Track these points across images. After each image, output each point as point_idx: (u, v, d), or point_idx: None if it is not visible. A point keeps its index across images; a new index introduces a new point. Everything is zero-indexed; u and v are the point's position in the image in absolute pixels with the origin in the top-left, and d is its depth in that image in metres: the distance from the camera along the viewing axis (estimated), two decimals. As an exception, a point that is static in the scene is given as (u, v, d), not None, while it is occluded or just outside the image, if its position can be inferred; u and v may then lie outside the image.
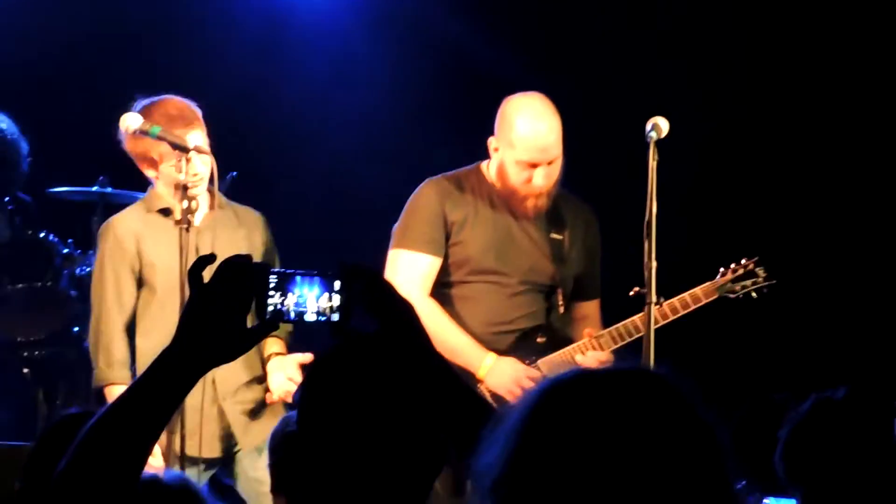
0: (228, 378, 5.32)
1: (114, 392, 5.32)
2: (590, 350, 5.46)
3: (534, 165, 5.41)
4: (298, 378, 5.33)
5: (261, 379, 5.50)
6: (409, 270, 5.49)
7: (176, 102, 5.38)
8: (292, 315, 2.44)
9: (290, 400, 5.36)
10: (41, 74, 7.90)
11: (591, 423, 1.71)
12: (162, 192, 5.45)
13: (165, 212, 5.43)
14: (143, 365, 5.30)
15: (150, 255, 5.41)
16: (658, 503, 1.67)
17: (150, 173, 5.43)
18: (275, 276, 2.40)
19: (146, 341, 5.39)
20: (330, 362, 2.50)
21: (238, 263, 2.36)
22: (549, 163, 5.41)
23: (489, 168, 5.60)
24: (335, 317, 2.46)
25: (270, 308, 2.39)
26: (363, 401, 2.43)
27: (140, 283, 5.44)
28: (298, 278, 2.44)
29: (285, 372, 5.37)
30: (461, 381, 2.50)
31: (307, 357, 5.24)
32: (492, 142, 5.51)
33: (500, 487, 1.72)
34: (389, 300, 2.52)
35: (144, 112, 5.30)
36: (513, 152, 5.42)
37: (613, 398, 1.74)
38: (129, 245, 5.41)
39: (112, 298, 5.42)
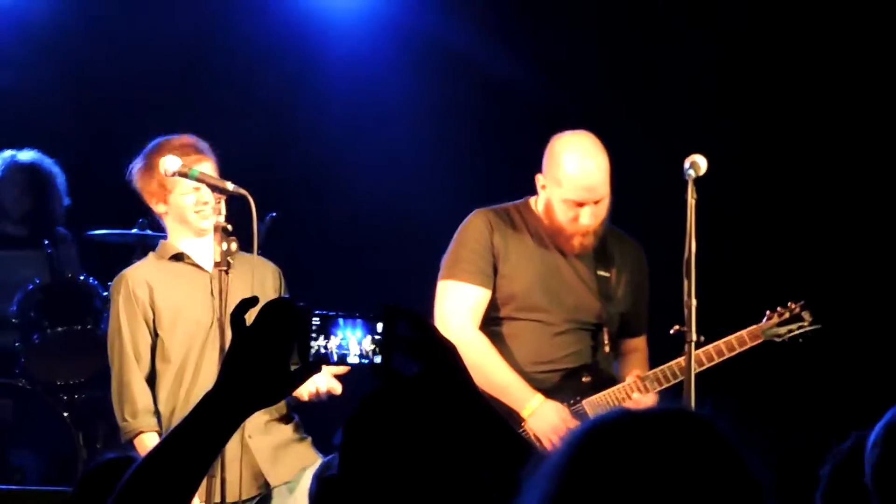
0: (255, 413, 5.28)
1: (144, 441, 5.35)
2: (635, 392, 5.42)
3: (581, 204, 5.39)
4: (327, 384, 5.31)
5: (286, 417, 5.48)
6: (459, 302, 5.48)
7: (183, 138, 5.42)
8: (335, 358, 2.44)
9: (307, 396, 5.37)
10: (81, 114, 7.94)
11: (634, 466, 1.69)
12: (172, 239, 5.48)
13: (177, 257, 5.46)
14: (161, 413, 5.33)
15: (163, 303, 5.43)
16: None
17: (160, 208, 5.45)
18: (317, 319, 2.40)
19: (164, 389, 5.43)
20: (372, 405, 2.48)
21: (281, 306, 2.35)
22: (597, 202, 5.40)
23: (536, 203, 5.59)
24: (378, 359, 2.46)
25: (313, 351, 2.39)
26: (405, 444, 2.43)
27: (156, 331, 5.45)
28: (341, 321, 2.44)
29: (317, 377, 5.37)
30: (504, 422, 2.51)
31: (342, 369, 5.20)
32: (539, 179, 5.50)
33: None
34: (432, 341, 2.53)
35: (155, 152, 5.34)
36: (560, 191, 5.40)
37: (656, 441, 1.71)
38: (142, 294, 5.43)
39: (129, 350, 5.45)
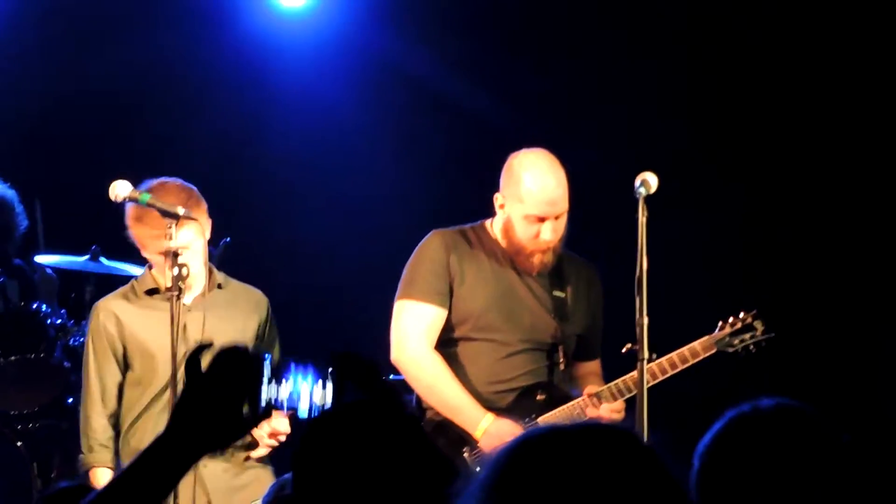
0: None
1: (97, 475, 5.43)
2: (588, 409, 5.44)
3: (542, 219, 5.41)
4: (283, 428, 5.38)
5: (248, 445, 5.48)
6: (415, 321, 5.49)
7: (178, 185, 5.45)
8: (285, 406, 2.49)
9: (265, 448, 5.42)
10: (32, 140, 7.91)
11: (557, 481, 1.71)
12: (154, 272, 5.49)
13: (152, 292, 5.46)
14: (132, 446, 5.34)
15: (134, 337, 5.49)
16: None
17: (146, 254, 5.47)
18: (270, 366, 2.43)
19: (134, 424, 5.49)
20: (323, 426, 2.54)
21: (234, 352, 2.37)
22: (557, 217, 5.43)
23: (493, 226, 5.60)
24: (328, 405, 2.53)
25: (265, 398, 2.42)
26: (358, 463, 2.48)
27: (128, 365, 5.49)
28: (293, 367, 2.49)
29: (273, 423, 5.39)
30: (437, 448, 2.57)
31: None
32: (498, 198, 5.52)
33: None
34: (378, 383, 2.60)
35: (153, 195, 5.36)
36: (521, 206, 5.42)
37: (579, 455, 1.73)
38: (112, 328, 5.50)
39: (94, 385, 5.53)
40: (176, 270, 5.01)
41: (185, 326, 5.35)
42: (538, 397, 5.54)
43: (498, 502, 1.74)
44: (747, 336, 5.54)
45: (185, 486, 5.23)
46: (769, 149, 7.63)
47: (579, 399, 5.50)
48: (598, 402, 5.42)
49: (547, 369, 5.61)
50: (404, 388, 5.61)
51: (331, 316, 7.93)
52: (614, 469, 1.73)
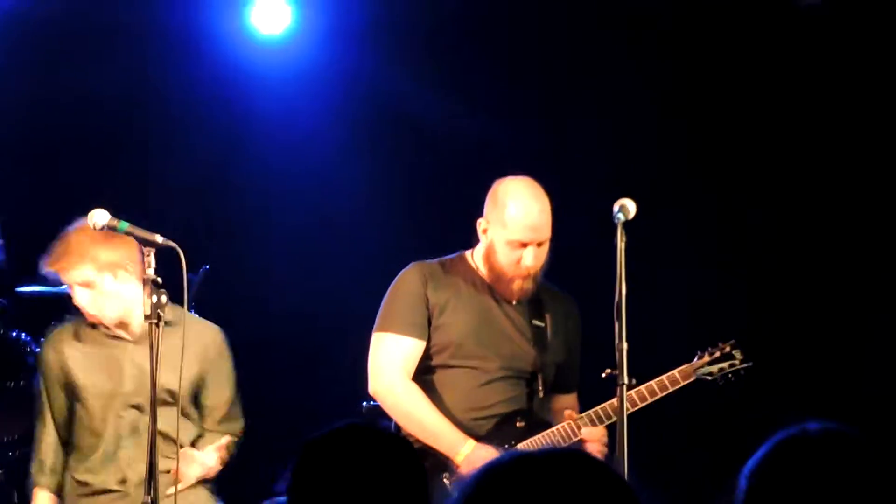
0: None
1: (37, 496, 5.69)
2: (567, 435, 5.45)
3: (524, 245, 5.45)
4: (211, 465, 5.55)
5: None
6: (392, 353, 5.52)
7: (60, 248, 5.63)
8: None
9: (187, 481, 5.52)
10: (11, 167, 7.90)
11: (524, 502, 1.71)
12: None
13: (94, 325, 5.67)
14: (74, 479, 5.58)
15: (76, 370, 5.67)
16: None
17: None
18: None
19: (77, 452, 5.67)
20: (315, 450, 2.69)
21: None
22: (539, 244, 5.46)
23: (474, 255, 5.64)
24: None
25: None
26: (351, 484, 2.61)
27: (73, 395, 5.68)
28: None
29: (201, 459, 5.53)
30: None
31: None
32: (481, 223, 5.56)
33: None
34: None
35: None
36: (505, 232, 5.46)
37: (547, 481, 1.74)
38: (55, 360, 5.70)
39: (45, 411, 5.73)
40: (155, 298, 4.99)
41: (131, 361, 5.60)
42: (517, 424, 5.56)
43: None
44: (726, 365, 5.58)
45: None
46: (749, 172, 7.66)
47: (558, 426, 5.51)
48: (580, 426, 5.44)
49: (526, 396, 5.63)
50: (382, 414, 5.63)
51: (308, 342, 7.93)
52: (582, 495, 1.74)
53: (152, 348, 4.97)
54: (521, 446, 5.51)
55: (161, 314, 5.00)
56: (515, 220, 5.45)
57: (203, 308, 7.12)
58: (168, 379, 5.28)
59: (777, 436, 2.58)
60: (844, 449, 2.55)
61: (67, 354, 5.68)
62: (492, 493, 1.74)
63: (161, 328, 5.04)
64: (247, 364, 8.13)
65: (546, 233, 5.48)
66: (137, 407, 5.57)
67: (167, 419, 5.28)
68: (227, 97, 8.11)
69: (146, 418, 5.23)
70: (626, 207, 5.11)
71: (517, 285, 5.54)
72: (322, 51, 8.08)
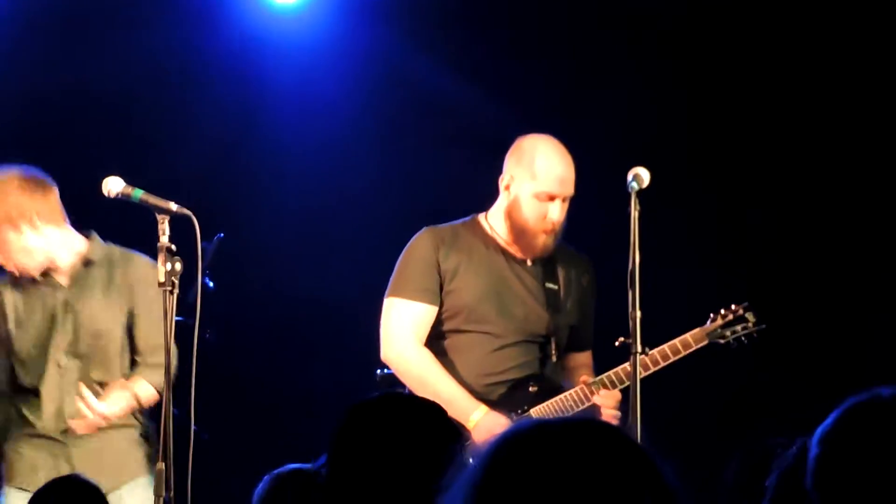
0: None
1: None
2: (579, 404, 5.45)
3: (552, 198, 5.45)
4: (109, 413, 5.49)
5: (127, 425, 5.67)
6: (404, 318, 5.52)
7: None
8: None
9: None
10: (23, 137, 7.90)
11: (545, 475, 1.71)
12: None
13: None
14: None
15: (12, 317, 5.68)
16: None
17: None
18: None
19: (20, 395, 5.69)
20: (360, 413, 2.76)
21: None
22: (564, 199, 5.46)
23: (488, 218, 5.63)
24: None
25: None
26: (393, 451, 2.69)
27: (9, 341, 5.70)
28: None
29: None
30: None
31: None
32: (503, 178, 5.56)
33: None
34: None
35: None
36: (533, 184, 5.47)
37: (566, 449, 1.74)
38: None
39: None
40: (169, 265, 5.00)
41: (56, 313, 5.62)
42: (530, 389, 5.56)
43: (483, 499, 1.74)
44: (739, 328, 5.56)
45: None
46: (762, 141, 7.64)
47: (571, 391, 5.51)
48: (594, 391, 5.44)
49: (539, 361, 5.63)
50: (396, 382, 5.64)
51: (324, 312, 7.94)
52: (600, 463, 1.74)
53: (166, 315, 4.98)
54: (533, 412, 5.52)
55: (175, 281, 5.01)
56: (545, 172, 5.46)
57: (217, 277, 7.14)
58: (103, 320, 5.34)
59: (848, 401, 2.57)
60: None
61: (5, 301, 5.70)
62: (509, 464, 1.74)
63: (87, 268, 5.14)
64: (260, 332, 8.16)
65: (572, 188, 5.51)
66: (75, 354, 5.60)
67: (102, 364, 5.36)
68: (241, 67, 8.10)
69: (82, 365, 5.31)
70: (640, 176, 5.11)
71: (541, 240, 5.54)
72: (337, 21, 8.07)
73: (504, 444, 1.77)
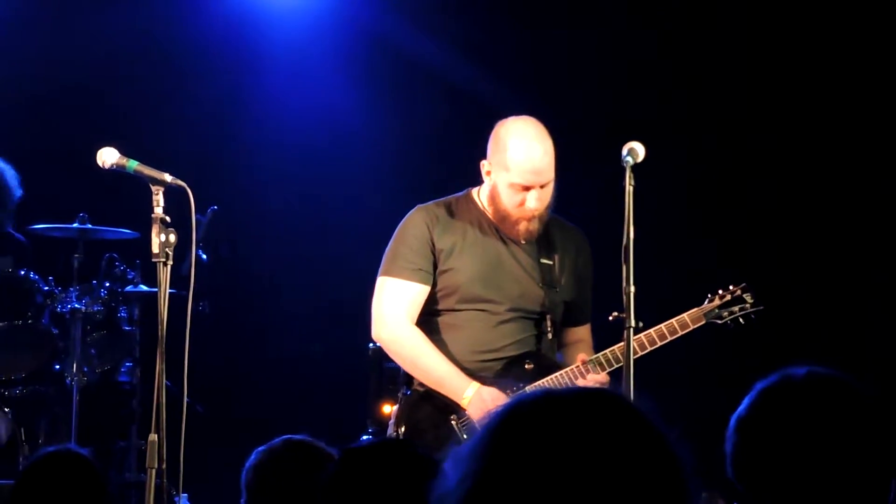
0: None
1: None
2: (579, 378, 5.44)
3: (527, 188, 5.41)
4: None
5: None
6: (396, 298, 5.50)
7: None
8: None
9: None
10: (19, 111, 7.90)
11: (551, 444, 1.71)
12: None
13: None
14: None
15: None
16: None
17: None
18: None
19: None
20: (351, 462, 2.86)
21: None
22: (542, 186, 5.42)
23: (480, 193, 5.60)
24: None
25: None
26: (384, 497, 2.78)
27: None
28: None
29: None
30: None
31: None
32: (484, 165, 5.52)
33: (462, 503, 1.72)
34: None
35: None
36: (507, 175, 5.42)
37: (573, 418, 1.74)
38: None
39: None
40: (163, 236, 4.99)
41: None
42: (526, 366, 5.55)
43: (491, 467, 1.74)
44: (736, 308, 5.54)
45: None
46: (759, 118, 7.64)
47: (567, 369, 5.51)
48: (588, 370, 5.43)
49: (535, 338, 5.62)
50: (385, 357, 5.63)
51: (319, 285, 7.94)
52: (608, 433, 1.73)
53: (160, 288, 4.97)
54: (529, 388, 5.51)
55: (169, 252, 5.00)
56: (517, 164, 5.40)
57: (211, 249, 7.13)
58: None
59: (758, 386, 2.55)
60: (831, 392, 2.53)
61: None
62: (517, 432, 1.74)
63: None
64: (254, 305, 8.16)
65: (549, 175, 5.44)
66: None
67: None
68: (235, 40, 8.10)
69: None
70: (635, 150, 5.08)
71: (522, 227, 5.51)
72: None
73: (511, 414, 1.76)
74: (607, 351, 5.43)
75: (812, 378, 2.55)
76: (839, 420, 2.47)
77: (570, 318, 5.72)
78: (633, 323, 4.98)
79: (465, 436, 5.40)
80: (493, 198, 5.51)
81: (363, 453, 2.97)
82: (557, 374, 5.50)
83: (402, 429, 5.44)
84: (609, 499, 1.68)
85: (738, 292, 5.55)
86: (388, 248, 5.60)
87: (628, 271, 4.94)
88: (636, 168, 5.04)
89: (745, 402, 2.54)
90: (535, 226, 5.51)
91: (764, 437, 2.49)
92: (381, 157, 7.94)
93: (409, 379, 5.56)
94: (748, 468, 2.48)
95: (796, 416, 2.49)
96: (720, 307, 5.52)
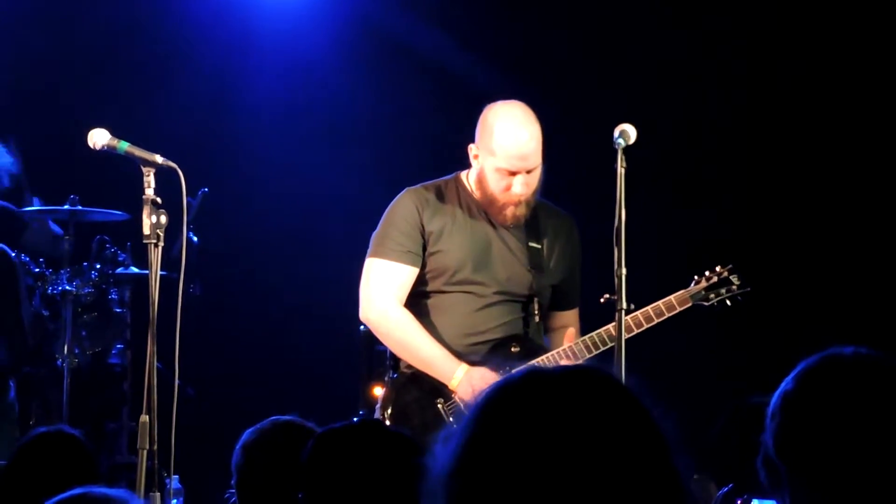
0: None
1: None
2: (563, 360, 5.45)
3: (513, 173, 5.41)
4: None
5: None
6: (385, 279, 5.50)
7: None
8: None
9: None
10: (10, 93, 7.88)
11: (538, 418, 1.72)
12: None
13: None
14: None
15: None
16: (602, 493, 1.68)
17: None
18: None
19: None
20: (329, 442, 2.82)
21: None
22: (529, 171, 5.42)
23: (468, 177, 5.60)
24: None
25: None
26: (363, 479, 2.77)
27: None
28: None
29: None
30: None
31: None
32: (472, 149, 5.52)
33: (451, 481, 1.73)
34: None
35: None
36: (493, 160, 5.42)
37: (560, 395, 1.75)
38: None
39: None
40: (154, 218, 4.98)
41: None
42: (512, 349, 5.55)
43: (479, 444, 1.75)
44: (723, 290, 5.54)
45: None
46: (750, 101, 7.65)
47: (553, 352, 5.52)
48: (573, 355, 5.44)
49: (522, 321, 5.62)
50: (376, 340, 5.64)
51: (309, 266, 7.95)
52: (595, 410, 1.74)
53: (151, 270, 4.97)
54: (514, 371, 5.50)
55: (160, 234, 5.00)
56: (503, 149, 5.40)
57: (201, 232, 7.13)
58: None
59: (804, 364, 2.55)
60: (876, 372, 2.53)
61: None
62: (503, 411, 1.75)
63: None
64: (244, 287, 8.16)
65: (535, 160, 5.44)
66: None
67: None
68: (226, 23, 8.09)
69: None
70: (627, 132, 5.07)
71: (509, 211, 5.51)
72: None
73: (500, 391, 1.77)
74: (594, 334, 5.44)
75: (859, 358, 2.54)
76: (887, 400, 2.47)
77: (557, 303, 5.72)
78: (624, 305, 4.99)
79: (451, 419, 5.41)
80: (481, 182, 5.51)
81: (337, 434, 2.97)
82: (544, 356, 5.51)
83: (389, 412, 5.45)
84: (597, 474, 1.69)
85: (725, 274, 5.55)
86: (376, 230, 5.60)
87: (620, 253, 4.95)
88: (627, 150, 5.04)
89: (790, 380, 2.54)
90: (521, 211, 5.52)
91: (811, 416, 2.48)
92: (374, 140, 7.94)
93: (395, 362, 5.57)
94: (793, 447, 2.48)
95: (844, 395, 2.47)
96: (706, 289, 5.52)
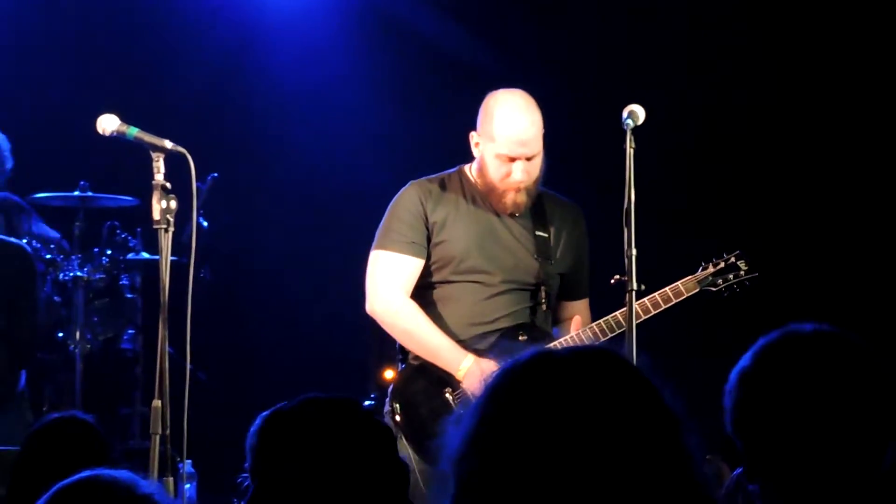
0: None
1: None
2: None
3: (513, 159, 5.41)
4: None
5: None
6: (390, 271, 5.50)
7: None
8: None
9: None
10: (19, 79, 7.89)
11: (549, 398, 1.73)
12: None
13: None
14: None
15: None
16: (613, 473, 1.69)
17: None
18: None
19: None
20: (279, 421, 2.78)
21: None
22: (529, 158, 5.42)
23: (471, 168, 5.61)
24: None
25: None
26: (315, 458, 2.73)
27: None
28: None
29: None
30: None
31: None
32: (473, 136, 5.52)
33: (462, 463, 1.74)
34: None
35: None
36: (493, 146, 5.43)
37: (570, 375, 1.76)
38: None
39: None
40: (164, 203, 4.99)
41: None
42: (520, 338, 5.55)
43: (491, 425, 1.76)
44: (731, 276, 5.54)
45: None
46: (759, 85, 7.64)
47: (561, 339, 5.52)
48: (582, 342, 5.43)
49: (529, 310, 5.61)
50: (383, 333, 5.65)
51: (319, 252, 7.96)
52: (605, 389, 1.75)
53: (162, 255, 4.98)
54: (524, 358, 5.50)
55: (170, 219, 5.01)
56: (503, 135, 5.41)
57: (211, 216, 7.15)
58: None
59: (762, 341, 2.55)
60: (836, 349, 2.52)
61: None
62: (515, 390, 1.76)
63: None
64: (256, 269, 8.18)
65: (535, 147, 5.44)
66: None
67: None
68: (236, 6, 8.10)
69: None
70: (636, 113, 5.08)
71: (510, 199, 5.51)
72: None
73: (510, 372, 1.78)
74: (602, 320, 5.44)
75: (818, 334, 2.54)
76: (843, 377, 2.47)
77: (566, 292, 5.72)
78: (635, 286, 4.98)
79: (460, 409, 5.41)
80: (481, 169, 5.51)
81: (285, 413, 2.94)
82: (551, 344, 5.50)
83: (398, 403, 5.46)
84: (608, 453, 1.70)
85: (733, 259, 5.55)
86: (381, 223, 5.60)
87: (630, 234, 4.94)
88: (636, 130, 5.04)
89: (748, 356, 2.54)
90: (522, 198, 5.51)
91: (766, 391, 2.49)
92: (383, 127, 7.94)
93: (404, 353, 5.58)
94: (749, 423, 2.49)
95: (800, 371, 2.48)
96: (714, 275, 5.52)
